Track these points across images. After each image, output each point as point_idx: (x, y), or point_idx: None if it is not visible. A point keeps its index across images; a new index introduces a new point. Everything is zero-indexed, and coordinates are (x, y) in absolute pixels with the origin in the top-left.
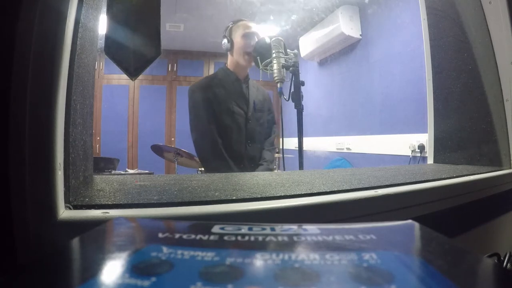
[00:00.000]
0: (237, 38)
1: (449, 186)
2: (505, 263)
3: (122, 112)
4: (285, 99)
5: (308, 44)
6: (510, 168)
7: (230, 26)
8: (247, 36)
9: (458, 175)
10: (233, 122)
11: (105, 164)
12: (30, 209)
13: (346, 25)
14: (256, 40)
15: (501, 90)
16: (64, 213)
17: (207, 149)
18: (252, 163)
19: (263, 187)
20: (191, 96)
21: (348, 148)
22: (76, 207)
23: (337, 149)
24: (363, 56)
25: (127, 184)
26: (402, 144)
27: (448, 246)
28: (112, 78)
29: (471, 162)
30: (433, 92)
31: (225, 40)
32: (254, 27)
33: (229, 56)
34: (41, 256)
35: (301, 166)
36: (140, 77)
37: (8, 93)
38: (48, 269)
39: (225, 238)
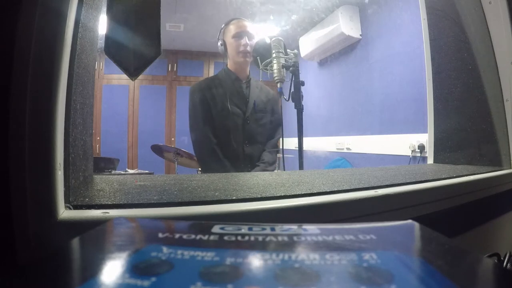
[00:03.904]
0: (229, 39)
1: (449, 186)
2: (505, 263)
3: (122, 112)
4: (285, 99)
5: (308, 44)
6: (510, 168)
7: (222, 28)
8: (237, 35)
9: (458, 175)
10: (230, 122)
11: (105, 164)
12: (30, 209)
13: (346, 25)
14: (247, 38)
15: (501, 90)
16: (64, 213)
17: (203, 149)
18: (249, 163)
19: (263, 187)
20: (190, 97)
21: (348, 148)
22: (76, 207)
23: (337, 149)
24: (363, 56)
25: (127, 184)
26: (402, 144)
27: (448, 246)
28: (112, 78)
29: (471, 162)
30: (433, 92)
31: (219, 43)
32: (244, 25)
33: (227, 59)
34: (41, 256)
35: (301, 166)
36: (140, 77)
37: (8, 93)
38: (48, 269)
39: (225, 238)
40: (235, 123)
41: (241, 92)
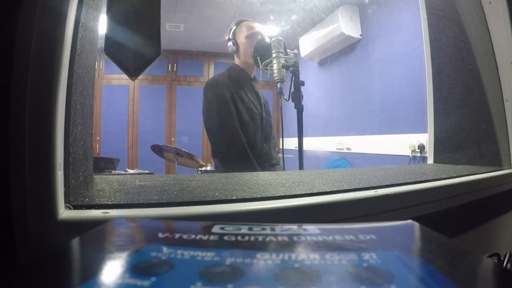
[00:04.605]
0: (242, 40)
1: (449, 186)
2: (505, 263)
3: (122, 112)
4: (285, 99)
5: (308, 44)
6: (510, 168)
7: (233, 28)
8: (251, 37)
9: (458, 175)
10: (252, 121)
11: (105, 164)
12: (30, 209)
13: (346, 25)
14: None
15: (501, 90)
16: (64, 213)
17: (232, 148)
18: (267, 163)
19: (263, 187)
20: (211, 93)
21: (348, 148)
22: (76, 207)
23: (337, 149)
24: (363, 56)
25: (127, 184)
26: (402, 144)
27: (448, 246)
28: (112, 78)
29: (471, 162)
30: (433, 92)
31: (230, 43)
32: (257, 27)
33: (236, 58)
34: (41, 256)
35: (301, 166)
36: (140, 77)
37: (8, 93)
38: (48, 269)
39: (225, 238)
40: (256, 122)
41: (256, 91)
